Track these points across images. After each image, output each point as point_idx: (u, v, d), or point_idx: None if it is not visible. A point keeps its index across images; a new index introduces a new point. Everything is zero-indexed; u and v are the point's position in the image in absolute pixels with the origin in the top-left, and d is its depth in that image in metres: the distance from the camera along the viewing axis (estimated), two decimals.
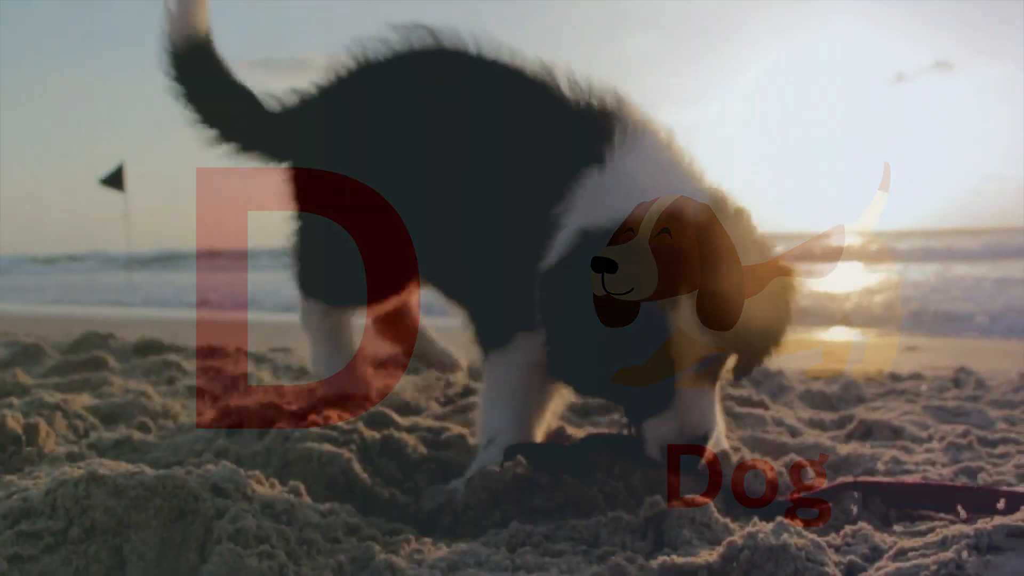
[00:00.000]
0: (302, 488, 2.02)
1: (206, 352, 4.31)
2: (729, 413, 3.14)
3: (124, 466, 1.84)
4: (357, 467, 2.29)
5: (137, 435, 2.67)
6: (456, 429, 2.71)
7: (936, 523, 2.03)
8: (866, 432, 3.03)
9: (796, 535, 1.67)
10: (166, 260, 35.72)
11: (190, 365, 4.03)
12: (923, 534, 1.84)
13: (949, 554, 1.57)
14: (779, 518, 1.74)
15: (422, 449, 2.51)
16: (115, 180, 17.58)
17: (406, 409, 3.16)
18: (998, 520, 1.68)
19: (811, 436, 2.93)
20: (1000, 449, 2.73)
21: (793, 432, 3.01)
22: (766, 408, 3.36)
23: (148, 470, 1.79)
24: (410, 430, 2.68)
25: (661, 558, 1.67)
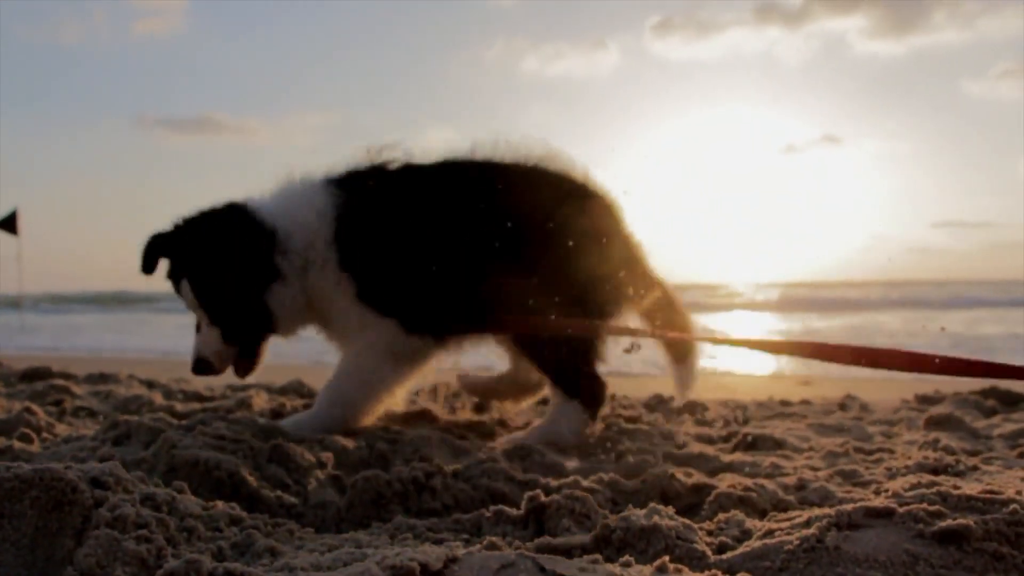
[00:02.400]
0: (186, 487, 2.01)
1: (97, 377, 4.23)
2: (617, 429, 3.22)
3: (1, 464, 1.81)
4: (244, 471, 2.28)
5: (19, 445, 2.62)
6: (343, 442, 2.72)
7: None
8: (750, 444, 3.12)
9: (667, 518, 1.73)
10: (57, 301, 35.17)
11: (79, 390, 3.95)
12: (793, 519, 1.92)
13: (811, 531, 1.64)
14: (652, 504, 1.80)
15: (310, 457, 2.50)
16: (9, 224, 17.54)
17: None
18: (860, 503, 1.77)
19: (696, 448, 3.00)
20: (875, 456, 2.85)
21: (679, 444, 3.08)
22: (654, 425, 3.44)
23: (25, 465, 1.77)
24: (299, 442, 2.68)
25: (538, 540, 1.71)
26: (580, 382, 3.15)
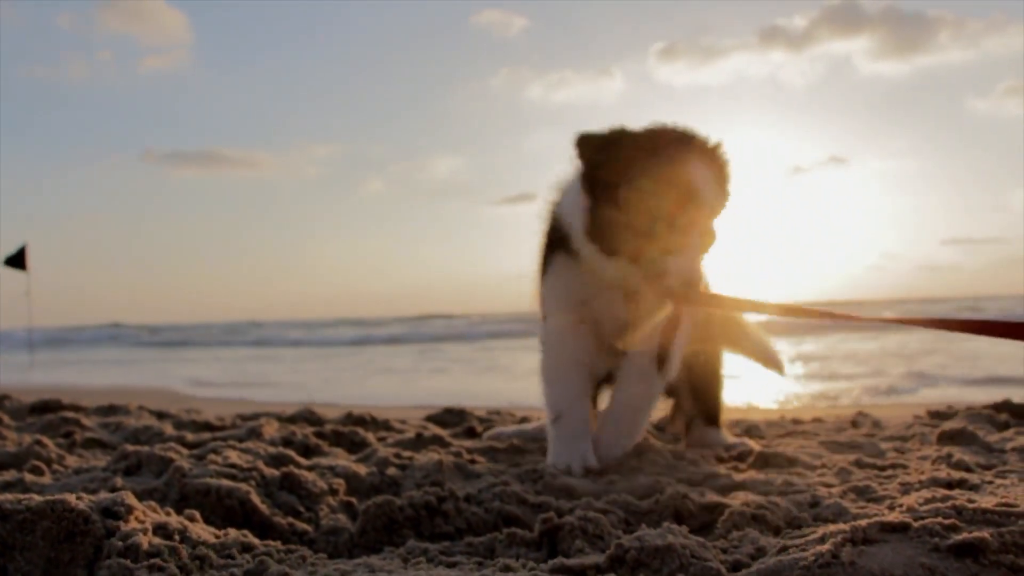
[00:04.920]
0: (198, 515, 2.01)
1: (107, 409, 4.24)
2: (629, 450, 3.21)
3: (12, 495, 1.81)
4: (256, 499, 2.27)
5: (30, 477, 2.62)
6: (354, 468, 2.72)
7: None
8: (763, 463, 3.11)
9: (681, 536, 1.72)
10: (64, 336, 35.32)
11: (89, 421, 3.95)
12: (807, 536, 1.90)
13: (826, 547, 1.63)
14: (666, 524, 1.79)
15: (322, 484, 2.50)
16: (17, 260, 17.63)
17: (307, 451, 3.15)
18: (875, 518, 1.76)
19: (708, 467, 2.99)
20: (889, 472, 2.83)
21: (693, 463, 3.07)
22: (665, 445, 3.43)
23: (37, 497, 1.77)
24: (310, 468, 2.68)
25: (552, 561, 1.70)
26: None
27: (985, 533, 1.60)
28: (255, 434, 3.54)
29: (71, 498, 1.77)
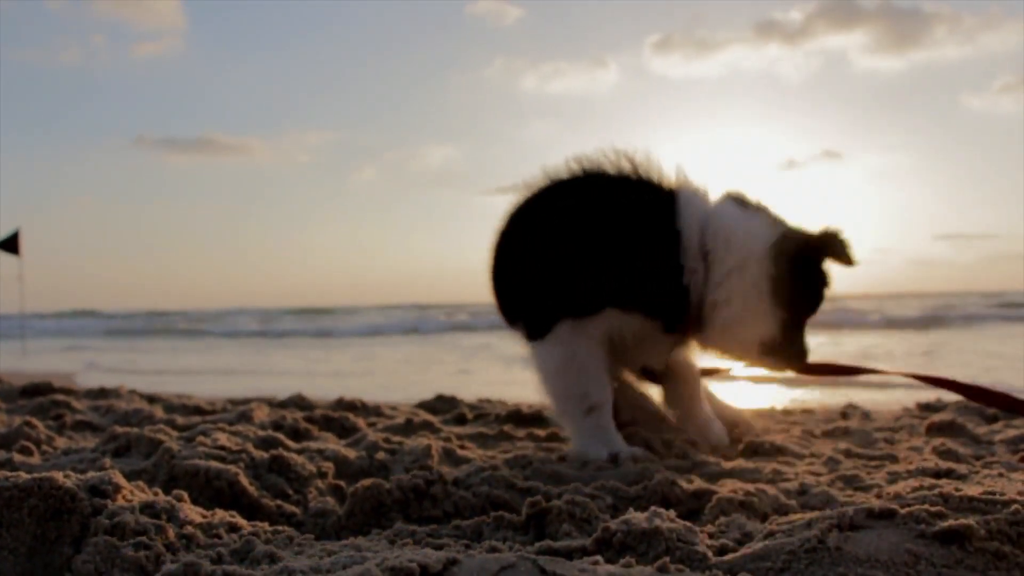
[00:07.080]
0: (185, 496, 2.00)
1: (97, 392, 4.23)
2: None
3: None
4: (244, 481, 2.27)
5: (19, 457, 2.62)
6: (343, 452, 2.72)
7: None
8: (752, 452, 3.11)
9: (668, 521, 1.72)
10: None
11: (80, 404, 3.95)
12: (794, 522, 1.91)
13: (813, 532, 1.64)
14: (653, 508, 1.80)
15: (311, 467, 2.50)
16: (11, 244, 17.48)
17: (296, 435, 3.15)
18: (861, 505, 1.77)
19: (697, 455, 2.99)
20: (877, 462, 2.84)
21: (681, 454, 3.07)
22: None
23: (24, 474, 1.77)
24: (299, 452, 2.68)
25: (538, 544, 1.70)
26: None
27: (971, 520, 1.61)
28: (245, 418, 3.54)
29: (58, 476, 1.77)
